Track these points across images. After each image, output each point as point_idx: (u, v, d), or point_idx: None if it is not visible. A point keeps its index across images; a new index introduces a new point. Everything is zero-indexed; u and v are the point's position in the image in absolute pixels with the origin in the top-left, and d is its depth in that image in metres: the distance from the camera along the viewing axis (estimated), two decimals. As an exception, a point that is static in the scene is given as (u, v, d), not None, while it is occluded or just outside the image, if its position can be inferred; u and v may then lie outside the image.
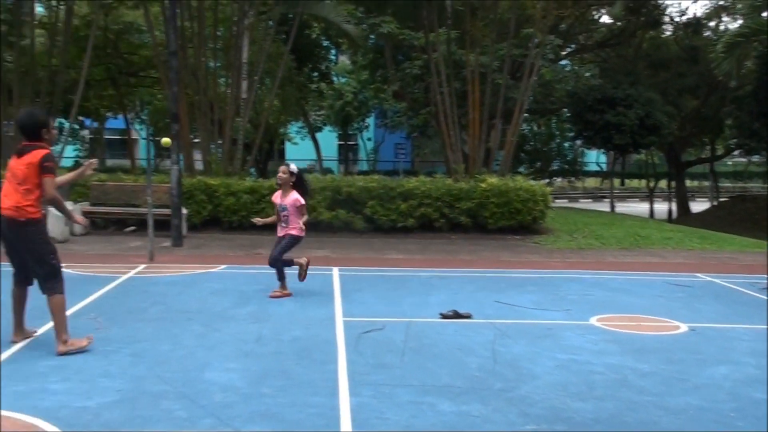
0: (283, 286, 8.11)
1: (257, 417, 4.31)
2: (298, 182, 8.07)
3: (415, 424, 4.30)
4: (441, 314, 7.25)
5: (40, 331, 6.11)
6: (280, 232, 8.10)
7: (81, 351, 5.52)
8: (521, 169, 25.88)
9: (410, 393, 4.84)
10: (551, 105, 25.89)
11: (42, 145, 5.51)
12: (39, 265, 5.52)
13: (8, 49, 19.11)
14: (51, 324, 5.82)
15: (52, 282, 5.54)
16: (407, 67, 20.43)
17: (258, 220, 8.42)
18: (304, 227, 8.11)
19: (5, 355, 5.48)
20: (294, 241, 8.09)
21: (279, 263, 8.01)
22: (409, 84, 21.21)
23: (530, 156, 32.44)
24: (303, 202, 8.00)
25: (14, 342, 5.73)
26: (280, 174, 8.07)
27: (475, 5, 19.14)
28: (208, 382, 4.95)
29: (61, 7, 18.78)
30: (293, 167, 8.10)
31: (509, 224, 14.89)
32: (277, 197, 8.14)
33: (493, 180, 15.15)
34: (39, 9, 20.93)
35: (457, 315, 7.20)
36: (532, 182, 15.85)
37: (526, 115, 19.02)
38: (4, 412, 4.28)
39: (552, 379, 5.23)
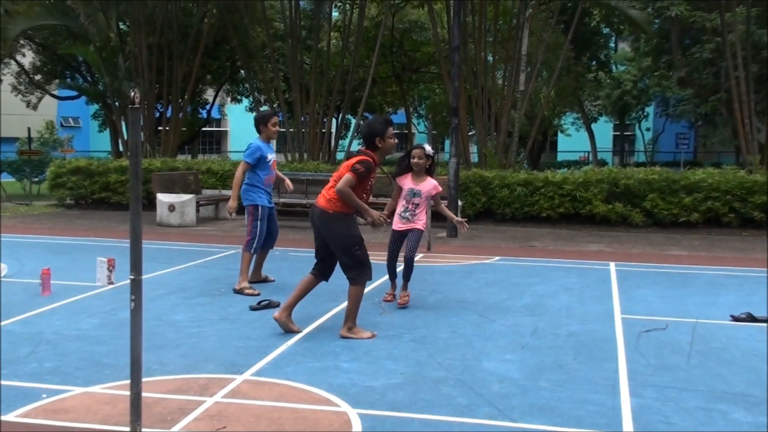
0: (404, 286, 7.10)
1: (535, 410, 4.31)
2: (432, 167, 7.12)
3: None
4: (732, 316, 6.72)
5: (328, 315, 6.60)
6: (401, 225, 7.05)
7: (360, 340, 5.75)
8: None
9: (698, 398, 4.55)
10: None
11: (369, 153, 5.80)
12: (344, 254, 5.76)
13: (306, 52, 20.92)
14: (337, 309, 6.31)
15: (355, 272, 5.76)
16: (696, 52, 19.09)
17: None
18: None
19: (303, 333, 6.00)
20: (421, 236, 7.18)
21: (411, 263, 7.08)
22: (698, 69, 19.79)
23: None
24: (440, 189, 7.16)
25: (275, 318, 5.92)
26: (415, 159, 6.99)
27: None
28: (486, 371, 5.04)
29: (354, 10, 20.13)
30: (429, 149, 7.09)
31: (813, 221, 13.40)
32: (407, 181, 7.05)
33: (794, 172, 13.72)
34: (334, 14, 22.60)
35: (752, 318, 6.62)
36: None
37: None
38: (303, 386, 4.70)
39: None
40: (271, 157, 7.91)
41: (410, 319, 6.53)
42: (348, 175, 5.67)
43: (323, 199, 5.82)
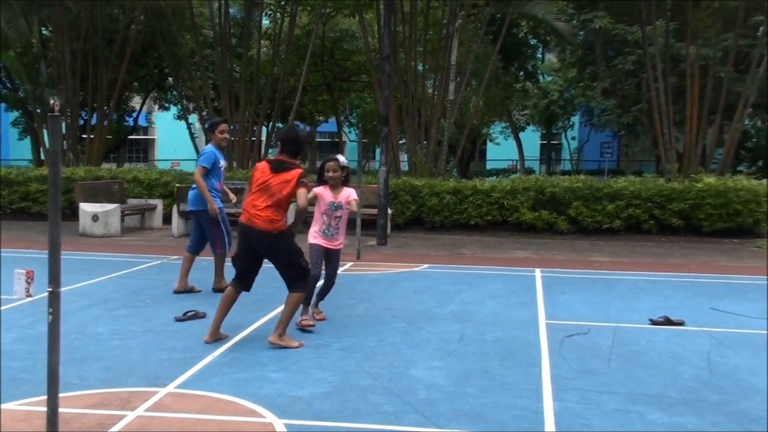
0: (305, 310, 6.52)
1: (461, 416, 4.36)
2: (347, 178, 6.67)
3: (622, 433, 4.15)
4: (651, 320, 6.93)
5: (255, 326, 6.55)
6: (325, 242, 6.57)
7: (288, 349, 5.71)
8: (741, 168, 24.00)
9: (617, 401, 4.67)
10: (779, 98, 23.81)
11: (299, 165, 5.86)
12: (290, 268, 5.82)
13: (236, 60, 20.74)
14: (265, 319, 6.28)
15: (301, 282, 5.86)
16: (619, 63, 19.67)
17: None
18: None
19: (229, 343, 5.93)
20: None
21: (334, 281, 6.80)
22: (620, 80, 20.39)
23: (752, 154, 30.03)
24: (357, 197, 6.68)
25: (206, 342, 5.85)
26: (330, 173, 6.49)
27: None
28: (413, 378, 5.08)
29: (285, 18, 20.04)
30: (343, 159, 6.60)
31: (727, 227, 13.95)
32: (327, 194, 6.53)
33: (710, 180, 14.24)
34: (264, 22, 22.47)
35: (668, 322, 6.84)
36: (755, 182, 14.69)
37: (750, 109, 17.57)
38: (229, 397, 4.64)
39: (777, 396, 4.84)
40: (223, 163, 8.12)
41: (338, 328, 6.52)
42: (303, 191, 5.75)
43: (261, 220, 5.71)
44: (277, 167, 5.80)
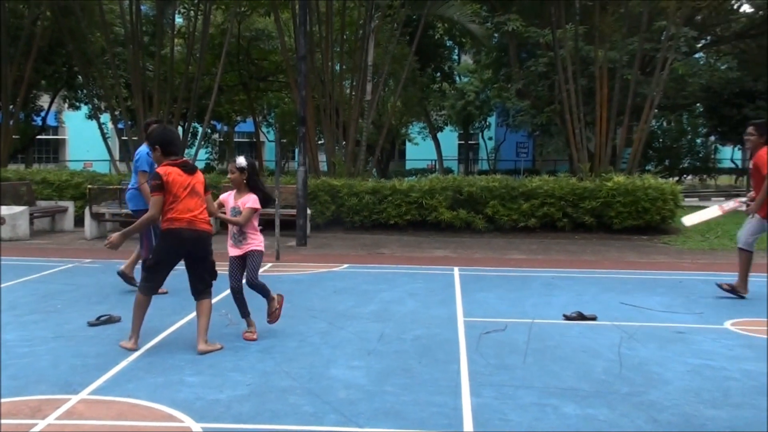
0: (249, 322, 6.30)
1: (381, 415, 4.38)
2: (251, 180, 6.22)
3: (538, 426, 4.25)
4: (565, 315, 7.12)
5: (172, 329, 6.43)
6: (236, 249, 6.22)
7: (211, 364, 5.45)
8: (649, 167, 24.96)
9: (533, 395, 4.78)
10: (683, 100, 24.85)
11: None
12: (209, 273, 5.88)
13: (149, 58, 20.26)
14: (182, 322, 6.22)
15: (210, 287, 5.90)
16: (532, 65, 20.15)
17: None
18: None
19: (145, 348, 5.79)
20: (261, 258, 6.37)
21: (258, 287, 6.28)
22: (534, 82, 20.90)
23: (659, 153, 31.25)
24: (258, 206, 6.20)
25: (131, 349, 5.65)
26: (229, 175, 6.27)
27: (604, -1, 18.66)
28: (333, 378, 5.07)
29: (199, 17, 19.70)
30: (241, 161, 6.19)
31: (636, 224, 14.44)
32: (229, 199, 6.27)
33: (619, 179, 14.72)
34: (178, 20, 22.03)
35: (581, 317, 7.05)
36: (662, 180, 15.27)
37: (656, 110, 18.27)
38: (145, 402, 4.54)
39: (683, 385, 5.04)
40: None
41: (258, 329, 6.45)
42: (210, 197, 6.01)
43: (205, 222, 5.78)
44: (190, 169, 5.78)
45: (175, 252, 5.76)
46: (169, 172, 5.62)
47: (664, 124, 31.36)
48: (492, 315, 7.21)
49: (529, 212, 14.56)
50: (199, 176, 5.83)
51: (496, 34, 21.37)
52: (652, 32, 18.96)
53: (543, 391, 4.86)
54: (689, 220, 9.51)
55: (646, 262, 11.26)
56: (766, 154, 7.87)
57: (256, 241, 6.26)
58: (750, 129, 8.17)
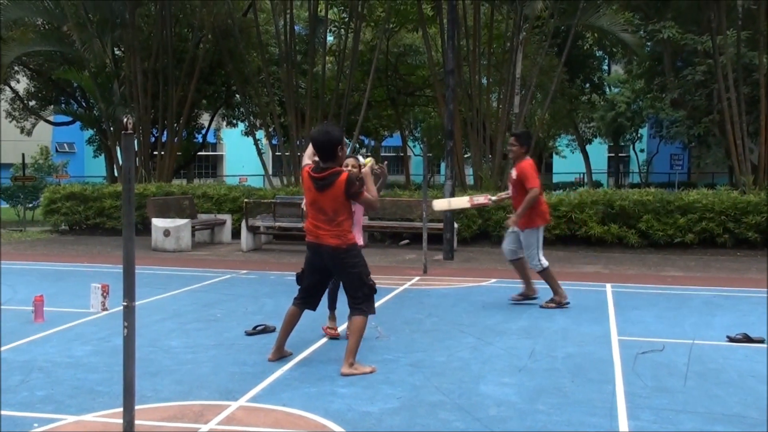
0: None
1: (532, 433, 4.29)
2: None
3: (701, 454, 4.02)
4: (729, 337, 6.70)
5: (324, 340, 6.57)
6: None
7: (363, 375, 5.44)
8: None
9: (696, 420, 4.52)
10: None
11: (339, 170, 5.44)
12: (358, 288, 5.54)
13: (302, 76, 21.03)
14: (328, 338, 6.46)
15: (367, 303, 5.57)
16: (689, 74, 19.23)
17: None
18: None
19: (298, 358, 5.96)
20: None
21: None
22: (690, 91, 19.92)
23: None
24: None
25: (270, 360, 5.78)
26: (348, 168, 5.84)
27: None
28: (483, 395, 5.01)
29: (349, 35, 20.25)
30: (360, 159, 6.19)
31: (807, 241, 13.43)
32: None
33: (788, 192, 13.76)
34: (329, 38, 22.73)
35: (747, 339, 6.60)
36: (837, 194, 14.13)
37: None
38: (299, 411, 4.66)
39: None
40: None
41: (407, 343, 6.50)
42: (362, 197, 5.48)
43: (330, 235, 5.44)
44: (321, 186, 5.41)
45: (310, 263, 5.71)
46: (303, 177, 5.65)
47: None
48: (648, 334, 6.90)
49: (686, 227, 13.87)
50: (330, 194, 5.40)
51: (649, 43, 20.59)
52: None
53: (707, 417, 4.58)
54: (438, 204, 9.78)
55: (820, 282, 10.42)
56: (530, 167, 7.97)
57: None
58: (511, 140, 8.28)
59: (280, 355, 5.87)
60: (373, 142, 35.79)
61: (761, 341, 6.57)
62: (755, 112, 16.53)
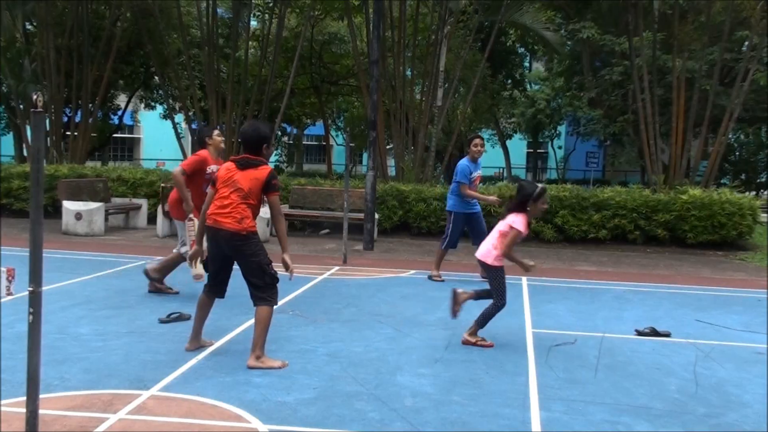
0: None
1: (447, 424, 4.32)
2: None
3: (609, 444, 4.13)
4: (637, 331, 6.93)
5: (240, 329, 6.47)
6: None
7: (269, 369, 5.29)
8: (724, 181, 24.22)
9: (604, 411, 4.65)
10: (763, 113, 24.02)
11: (264, 161, 5.50)
12: (258, 277, 5.37)
13: (224, 60, 20.65)
14: (251, 322, 6.25)
15: (269, 292, 5.41)
16: (606, 74, 19.78)
17: None
18: None
19: (214, 347, 5.85)
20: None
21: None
22: (607, 91, 20.50)
23: (735, 167, 30.31)
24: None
25: (187, 350, 5.67)
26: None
27: (684, 8, 18.16)
28: (400, 385, 5.03)
29: (273, 20, 19.98)
30: None
31: (711, 239, 13.98)
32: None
33: (695, 192, 14.29)
34: (252, 23, 22.38)
35: (654, 333, 6.84)
36: (739, 195, 14.77)
37: (734, 123, 17.70)
38: (213, 401, 4.58)
39: (763, 409, 4.83)
40: (476, 174, 10.09)
41: (324, 333, 6.47)
42: (275, 197, 5.41)
43: (231, 219, 5.31)
44: (244, 164, 5.42)
45: (211, 248, 5.59)
46: (221, 166, 5.72)
47: (742, 137, 30.42)
48: (561, 327, 7.07)
49: (599, 223, 14.26)
50: (253, 173, 5.39)
51: (569, 42, 21.06)
52: (733, 42, 18.40)
53: (614, 408, 4.72)
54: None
55: (722, 279, 10.89)
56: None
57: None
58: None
59: (198, 345, 5.75)
60: (295, 130, 35.49)
61: (667, 335, 6.82)
62: (667, 114, 17.11)
